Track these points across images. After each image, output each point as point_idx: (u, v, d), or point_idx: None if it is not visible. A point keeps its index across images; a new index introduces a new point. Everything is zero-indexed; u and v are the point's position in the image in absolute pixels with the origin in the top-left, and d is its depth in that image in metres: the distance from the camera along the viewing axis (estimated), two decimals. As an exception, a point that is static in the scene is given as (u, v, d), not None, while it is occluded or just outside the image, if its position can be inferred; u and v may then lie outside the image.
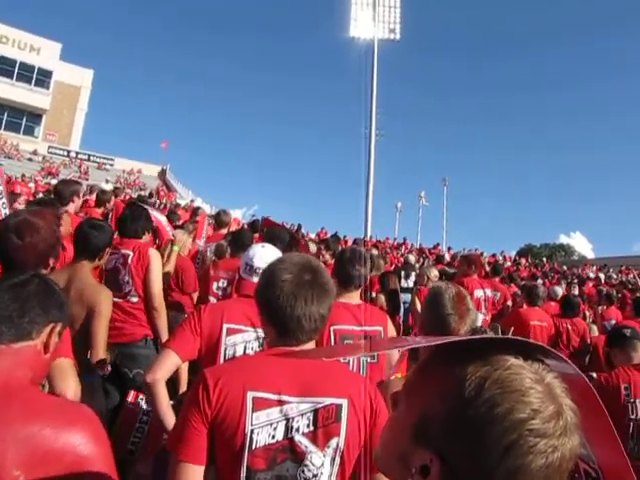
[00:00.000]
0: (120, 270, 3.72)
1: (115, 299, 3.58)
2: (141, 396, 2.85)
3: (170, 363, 2.15)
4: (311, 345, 1.56)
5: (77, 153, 41.23)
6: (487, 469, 0.63)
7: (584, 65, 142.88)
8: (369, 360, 2.76)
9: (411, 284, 7.38)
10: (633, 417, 2.94)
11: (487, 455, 0.63)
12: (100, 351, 2.85)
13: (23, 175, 20.21)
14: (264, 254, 2.51)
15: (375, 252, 7.91)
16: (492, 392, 0.65)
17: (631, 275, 22.05)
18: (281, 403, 1.38)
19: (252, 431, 1.35)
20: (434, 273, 6.02)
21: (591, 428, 0.74)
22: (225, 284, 4.07)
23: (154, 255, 3.80)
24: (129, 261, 3.72)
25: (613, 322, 6.97)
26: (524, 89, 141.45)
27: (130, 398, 2.89)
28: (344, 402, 1.42)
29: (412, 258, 10.02)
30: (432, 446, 0.68)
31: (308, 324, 1.47)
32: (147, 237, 4.07)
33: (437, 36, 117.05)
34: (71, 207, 3.81)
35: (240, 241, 4.35)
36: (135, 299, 3.72)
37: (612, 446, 0.75)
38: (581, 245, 58.55)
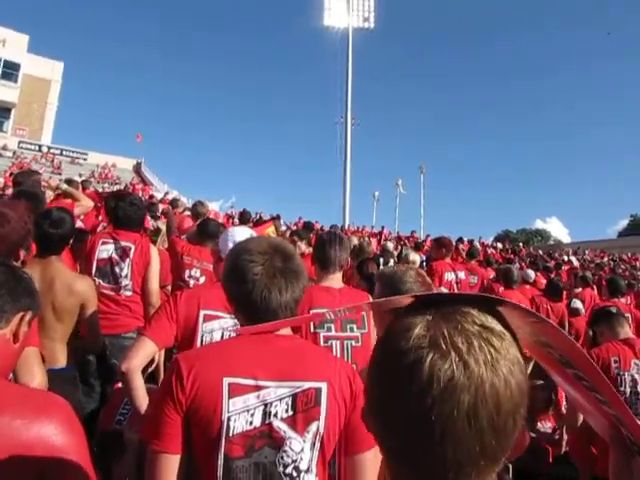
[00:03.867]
0: (118, 262, 3.62)
1: (107, 291, 3.54)
2: None
3: (146, 351, 2.10)
4: (287, 330, 1.51)
5: (49, 148, 40.14)
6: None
7: (563, 50, 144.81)
8: (354, 344, 2.72)
9: (390, 271, 7.38)
10: (622, 389, 3.04)
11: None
12: (99, 338, 3.06)
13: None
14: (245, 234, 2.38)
15: (355, 240, 7.90)
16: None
17: (605, 259, 22.55)
18: (258, 388, 1.34)
19: (229, 418, 1.31)
20: (413, 258, 6.01)
21: (591, 379, 0.70)
22: (198, 273, 4.05)
23: (154, 252, 3.76)
24: (130, 255, 3.63)
25: (579, 304, 7.03)
26: (500, 76, 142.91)
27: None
28: (323, 386, 1.39)
29: (390, 245, 10.07)
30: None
31: (284, 313, 1.42)
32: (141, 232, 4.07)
33: (412, 24, 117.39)
34: None
35: (206, 230, 4.40)
36: (129, 293, 3.64)
37: (608, 392, 0.70)
38: (557, 230, 59.68)
